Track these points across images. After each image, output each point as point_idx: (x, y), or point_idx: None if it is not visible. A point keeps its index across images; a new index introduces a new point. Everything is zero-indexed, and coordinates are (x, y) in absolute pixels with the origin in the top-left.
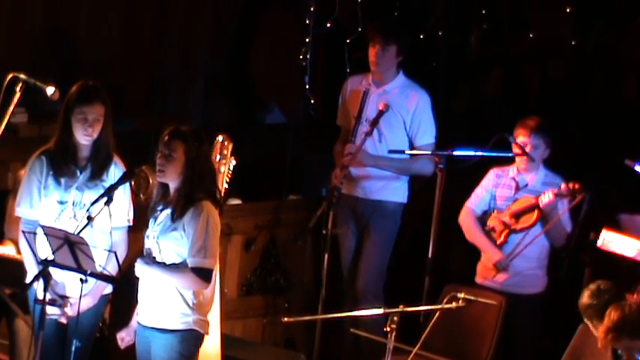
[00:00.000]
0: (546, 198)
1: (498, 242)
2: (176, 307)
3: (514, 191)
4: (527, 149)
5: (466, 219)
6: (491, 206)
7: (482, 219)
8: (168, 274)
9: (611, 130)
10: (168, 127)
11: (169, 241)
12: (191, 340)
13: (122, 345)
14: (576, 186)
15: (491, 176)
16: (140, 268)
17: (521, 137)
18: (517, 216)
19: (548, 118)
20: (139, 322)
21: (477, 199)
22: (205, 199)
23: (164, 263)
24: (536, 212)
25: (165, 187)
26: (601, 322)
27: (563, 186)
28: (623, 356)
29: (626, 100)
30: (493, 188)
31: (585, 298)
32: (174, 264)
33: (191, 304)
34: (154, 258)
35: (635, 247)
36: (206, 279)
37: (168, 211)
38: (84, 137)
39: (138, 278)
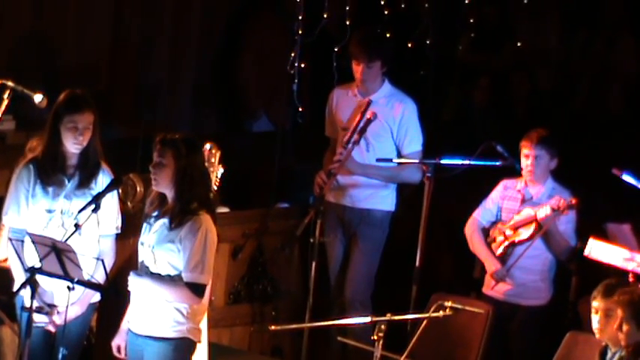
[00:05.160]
0: (543, 212)
1: (497, 254)
2: (170, 316)
3: (519, 204)
4: (530, 161)
5: (470, 229)
6: (498, 218)
7: (489, 230)
8: (162, 287)
9: (598, 139)
10: (160, 134)
11: (164, 251)
12: (184, 348)
13: (120, 354)
14: (573, 201)
15: (500, 188)
16: (133, 282)
17: (525, 149)
18: (518, 229)
19: (536, 127)
20: (130, 330)
21: (484, 211)
22: (201, 208)
23: (158, 275)
24: (534, 225)
25: (162, 196)
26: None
27: (562, 201)
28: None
29: (612, 109)
30: (501, 200)
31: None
32: (168, 275)
33: (185, 313)
34: (147, 268)
35: (622, 256)
36: (200, 294)
37: (164, 220)
38: (74, 146)
39: (127, 287)
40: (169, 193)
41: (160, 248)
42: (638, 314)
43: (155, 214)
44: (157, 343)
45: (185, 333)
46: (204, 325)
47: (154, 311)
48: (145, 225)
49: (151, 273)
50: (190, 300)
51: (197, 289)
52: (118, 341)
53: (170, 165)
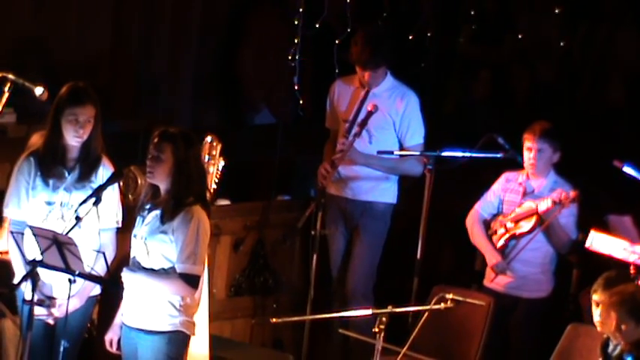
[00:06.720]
0: (544, 205)
1: (498, 246)
2: (163, 309)
3: (520, 197)
4: (533, 154)
5: (470, 221)
6: (499, 210)
7: (490, 223)
8: (156, 281)
9: (599, 131)
10: (158, 128)
11: (157, 242)
12: (178, 341)
13: (112, 348)
14: (572, 194)
15: (501, 181)
16: (127, 277)
17: (528, 142)
18: (519, 221)
19: (537, 119)
20: (125, 324)
21: (485, 203)
22: (195, 203)
23: (152, 269)
24: (534, 218)
25: (155, 187)
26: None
27: (563, 195)
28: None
29: (613, 101)
30: (502, 193)
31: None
32: (162, 269)
33: (178, 306)
34: (139, 263)
35: (623, 247)
36: (194, 285)
37: (157, 212)
38: (74, 138)
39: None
40: (163, 186)
41: (153, 239)
42: (632, 312)
43: (148, 206)
44: (150, 337)
45: (178, 326)
46: (201, 317)
47: (147, 305)
48: (138, 218)
49: (144, 268)
50: (184, 291)
51: (190, 280)
52: (111, 335)
53: (168, 160)
